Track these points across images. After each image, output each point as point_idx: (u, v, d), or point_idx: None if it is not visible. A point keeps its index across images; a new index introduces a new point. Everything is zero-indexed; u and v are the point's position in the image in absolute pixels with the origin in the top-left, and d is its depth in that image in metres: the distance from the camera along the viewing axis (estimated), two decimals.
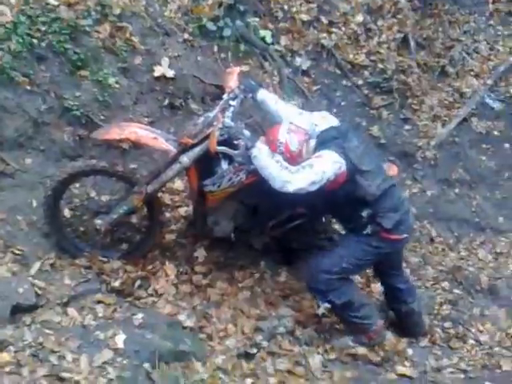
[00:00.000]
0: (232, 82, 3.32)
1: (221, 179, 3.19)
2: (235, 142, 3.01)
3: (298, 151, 3.01)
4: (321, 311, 3.65)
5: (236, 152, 3.00)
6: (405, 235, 3.30)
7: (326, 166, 2.92)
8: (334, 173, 2.94)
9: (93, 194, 3.66)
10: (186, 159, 3.12)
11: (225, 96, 3.31)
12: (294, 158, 2.99)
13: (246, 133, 3.01)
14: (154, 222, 3.48)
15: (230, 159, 3.14)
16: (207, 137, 3.06)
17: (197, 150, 3.12)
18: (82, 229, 3.54)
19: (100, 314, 2.96)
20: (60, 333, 2.72)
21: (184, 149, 3.14)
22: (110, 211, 3.30)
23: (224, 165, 3.17)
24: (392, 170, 3.69)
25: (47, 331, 2.72)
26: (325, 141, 3.06)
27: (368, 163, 3.11)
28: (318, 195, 2.99)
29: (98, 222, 3.28)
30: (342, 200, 3.11)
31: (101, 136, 3.27)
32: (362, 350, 3.42)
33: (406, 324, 3.77)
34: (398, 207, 3.23)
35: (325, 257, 3.35)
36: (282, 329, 3.38)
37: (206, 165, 3.18)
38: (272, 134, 3.05)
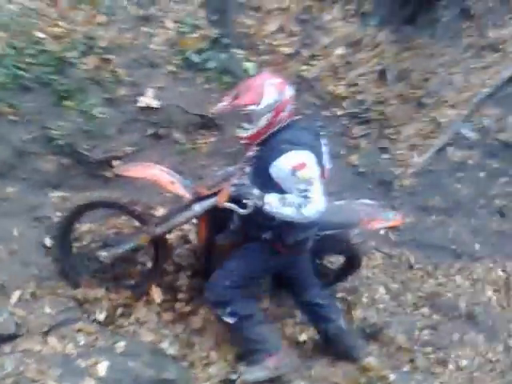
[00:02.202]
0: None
1: (233, 234, 3.22)
2: (244, 202, 2.92)
3: None
4: (302, 338, 3.69)
5: (242, 211, 2.91)
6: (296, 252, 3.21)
7: (315, 169, 2.81)
8: None
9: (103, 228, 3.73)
10: (197, 208, 3.15)
11: (249, 153, 3.25)
12: None
13: (256, 192, 2.87)
14: (158, 263, 3.51)
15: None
16: (221, 188, 3.09)
17: (210, 201, 3.12)
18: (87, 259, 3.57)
19: (81, 343, 2.97)
20: (41, 362, 2.73)
21: (198, 198, 3.17)
22: (117, 245, 3.35)
23: (237, 221, 3.16)
24: (397, 218, 3.82)
25: (28, 360, 2.72)
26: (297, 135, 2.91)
27: None
28: None
29: (103, 253, 3.33)
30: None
31: (123, 172, 3.38)
32: (343, 376, 3.44)
33: (339, 348, 3.59)
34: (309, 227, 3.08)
35: (219, 271, 3.23)
36: None
37: (218, 218, 3.18)
38: None
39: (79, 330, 3.05)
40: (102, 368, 2.76)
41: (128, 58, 4.24)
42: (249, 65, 4.95)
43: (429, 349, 4.08)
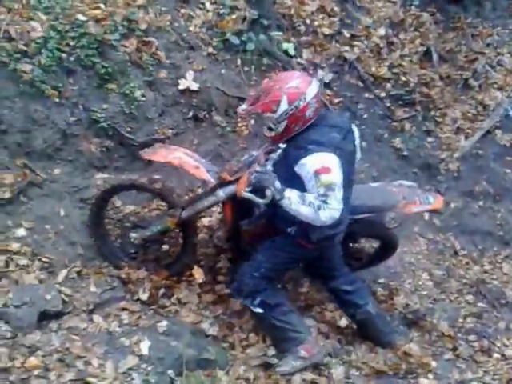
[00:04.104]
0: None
1: (258, 220, 3.21)
2: (264, 190, 2.86)
3: None
4: (343, 322, 3.65)
5: (261, 201, 2.87)
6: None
7: (338, 175, 2.78)
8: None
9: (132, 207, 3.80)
10: (221, 194, 3.16)
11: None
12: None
13: (277, 184, 2.83)
14: (187, 244, 3.53)
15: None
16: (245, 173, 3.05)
17: (233, 188, 3.10)
18: (119, 240, 3.65)
19: (125, 321, 3.03)
20: (86, 339, 2.80)
21: (222, 183, 3.17)
22: (146, 227, 3.41)
23: (263, 210, 3.14)
24: (438, 201, 3.66)
25: (73, 337, 2.80)
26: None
27: None
28: None
29: (133, 235, 3.40)
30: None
31: (147, 156, 3.38)
32: (383, 363, 3.39)
33: (369, 333, 3.56)
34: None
35: (249, 263, 3.22)
36: None
37: (243, 204, 3.13)
38: None
39: (123, 309, 3.12)
40: (145, 346, 2.80)
41: (168, 41, 4.24)
42: (288, 46, 4.89)
43: (473, 337, 3.98)
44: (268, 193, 2.81)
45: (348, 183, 2.91)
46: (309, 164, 2.74)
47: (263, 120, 2.96)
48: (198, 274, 3.40)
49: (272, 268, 3.16)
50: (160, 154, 3.32)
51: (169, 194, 3.44)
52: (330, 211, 2.74)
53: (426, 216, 4.96)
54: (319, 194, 2.73)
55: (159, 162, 3.51)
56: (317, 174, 2.72)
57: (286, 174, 2.86)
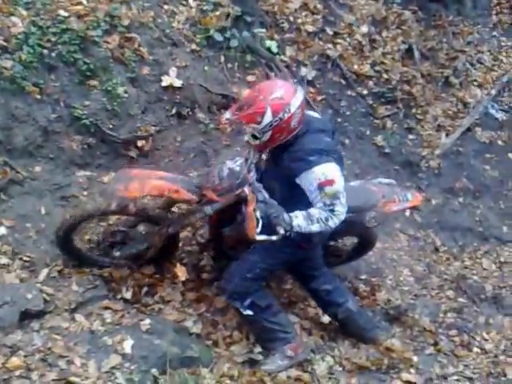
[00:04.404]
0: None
1: (240, 225, 3.13)
2: (275, 227, 2.79)
3: None
4: (325, 319, 3.68)
5: (274, 238, 2.80)
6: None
7: (341, 183, 2.79)
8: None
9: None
10: (209, 210, 3.11)
11: (246, 137, 3.09)
12: None
13: (286, 217, 2.78)
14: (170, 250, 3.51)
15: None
16: (237, 195, 3.02)
17: (222, 203, 3.08)
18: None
19: (108, 320, 3.01)
20: (68, 338, 2.78)
21: (208, 201, 3.11)
22: (129, 243, 3.32)
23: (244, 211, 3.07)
24: (416, 198, 3.68)
25: (56, 336, 2.77)
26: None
27: None
28: None
29: (117, 253, 3.31)
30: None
31: (121, 193, 3.04)
32: (366, 358, 3.43)
33: (351, 330, 3.59)
34: None
35: (239, 263, 3.20)
36: None
37: (225, 209, 3.13)
38: None
39: (106, 308, 3.09)
40: (128, 345, 2.79)
41: (151, 37, 4.21)
42: (272, 43, 4.89)
43: (453, 332, 4.04)
44: (280, 230, 2.76)
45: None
46: (311, 177, 2.73)
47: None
48: (181, 272, 3.37)
49: (267, 268, 3.16)
50: (134, 188, 3.02)
51: (148, 213, 3.24)
52: (338, 217, 2.77)
53: (407, 212, 5.00)
54: (325, 204, 2.74)
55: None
56: (321, 186, 2.72)
57: (285, 186, 2.86)
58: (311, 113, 3.11)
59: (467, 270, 4.81)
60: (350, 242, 3.98)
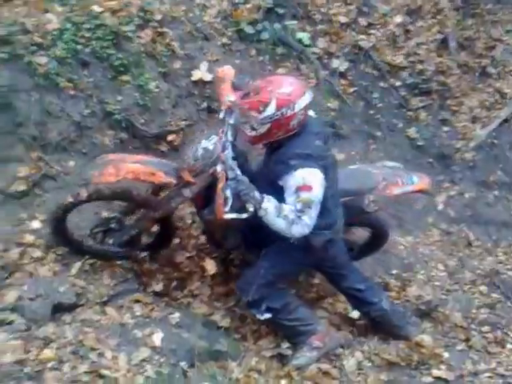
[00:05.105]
0: (227, 94, 3.12)
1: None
2: (245, 204, 2.80)
3: None
4: (355, 314, 3.66)
5: (244, 216, 2.82)
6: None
7: (319, 193, 2.78)
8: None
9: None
10: (187, 193, 3.07)
11: (221, 114, 3.12)
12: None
13: (256, 194, 2.78)
14: (165, 237, 3.49)
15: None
16: (211, 174, 2.99)
17: (199, 185, 3.04)
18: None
19: (138, 313, 3.06)
20: (99, 331, 2.83)
21: (185, 184, 3.06)
22: (121, 230, 3.29)
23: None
24: (423, 181, 3.55)
25: (87, 329, 2.82)
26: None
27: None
28: None
29: (110, 241, 3.29)
30: None
31: (96, 179, 2.99)
32: (396, 354, 3.41)
33: (385, 329, 3.54)
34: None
35: (252, 271, 3.18)
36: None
37: (204, 194, 3.10)
38: None
39: (136, 301, 3.14)
40: (157, 338, 2.84)
41: (182, 31, 4.25)
42: (303, 35, 4.86)
43: (486, 328, 3.94)
44: (250, 207, 2.77)
45: (335, 187, 2.98)
46: (292, 180, 2.73)
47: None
48: (210, 266, 3.41)
49: (280, 274, 3.15)
50: (108, 174, 2.96)
51: (134, 196, 3.17)
52: (303, 227, 2.77)
53: (440, 206, 4.92)
54: (296, 209, 2.74)
55: (111, 183, 3.05)
56: (298, 190, 2.72)
57: (271, 188, 2.84)
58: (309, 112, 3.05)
59: (501, 265, 4.68)
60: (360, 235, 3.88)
